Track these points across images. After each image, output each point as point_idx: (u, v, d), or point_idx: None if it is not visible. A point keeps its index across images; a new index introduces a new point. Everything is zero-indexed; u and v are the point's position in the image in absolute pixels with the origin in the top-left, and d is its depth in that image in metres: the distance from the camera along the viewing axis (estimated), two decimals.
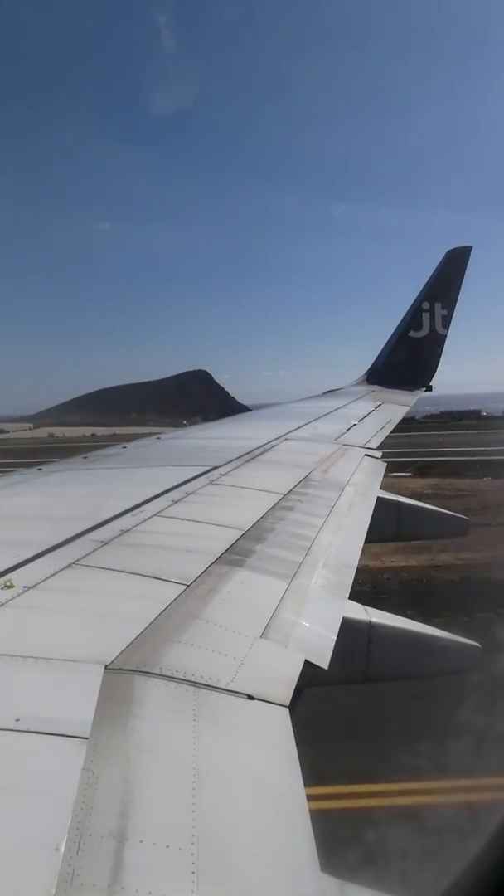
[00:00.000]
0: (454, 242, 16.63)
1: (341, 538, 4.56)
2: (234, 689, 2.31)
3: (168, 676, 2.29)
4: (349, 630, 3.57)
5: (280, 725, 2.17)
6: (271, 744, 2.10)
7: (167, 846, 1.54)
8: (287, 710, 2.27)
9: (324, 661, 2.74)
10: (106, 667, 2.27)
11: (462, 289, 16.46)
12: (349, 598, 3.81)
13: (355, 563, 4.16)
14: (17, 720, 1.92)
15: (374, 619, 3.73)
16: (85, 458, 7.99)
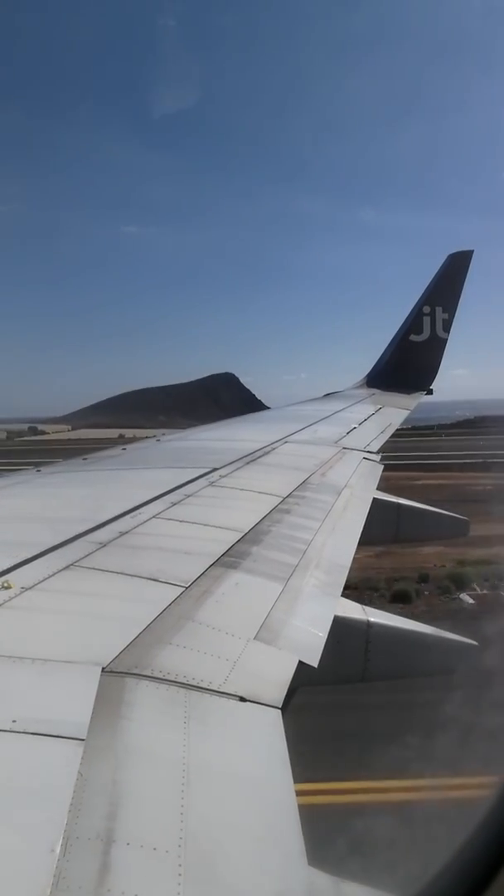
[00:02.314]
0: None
1: (336, 540, 4.57)
2: (226, 691, 2.31)
3: (159, 678, 2.29)
4: (347, 630, 3.57)
5: (272, 727, 2.17)
6: (262, 746, 2.10)
7: (154, 848, 1.54)
8: (279, 711, 2.27)
9: (314, 660, 2.75)
10: (103, 669, 2.27)
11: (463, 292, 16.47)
12: (349, 599, 3.82)
13: (348, 564, 4.18)
14: (14, 721, 1.91)
15: (372, 619, 3.73)
16: (84, 459, 7.99)
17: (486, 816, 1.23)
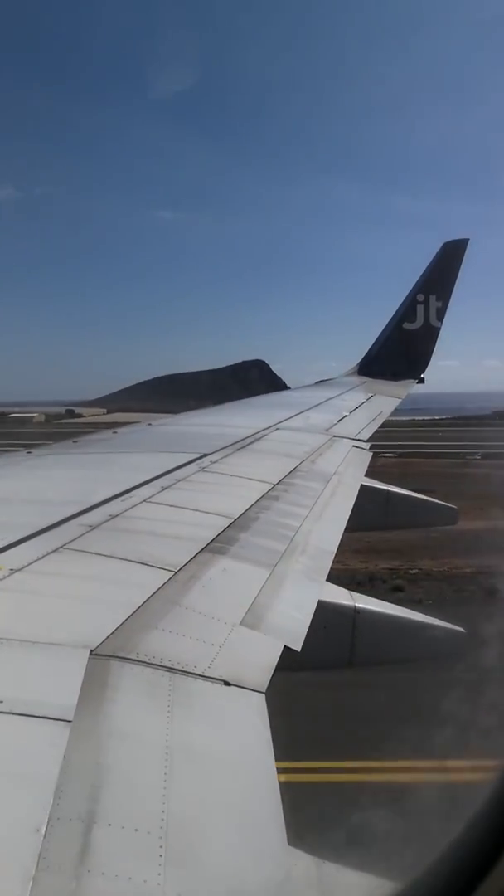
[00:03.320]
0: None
1: (322, 527, 4.61)
2: (211, 675, 2.33)
3: (144, 662, 2.30)
4: (334, 615, 3.60)
5: (255, 711, 2.20)
6: (245, 729, 2.13)
7: (136, 829, 1.56)
8: (263, 696, 2.29)
9: (297, 644, 2.77)
10: (91, 652, 2.28)
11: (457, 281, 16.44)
12: (337, 585, 3.85)
13: (334, 549, 4.22)
14: (1, 702, 1.92)
15: (359, 605, 3.76)
16: (75, 442, 7.96)
17: (483, 808, 1.24)
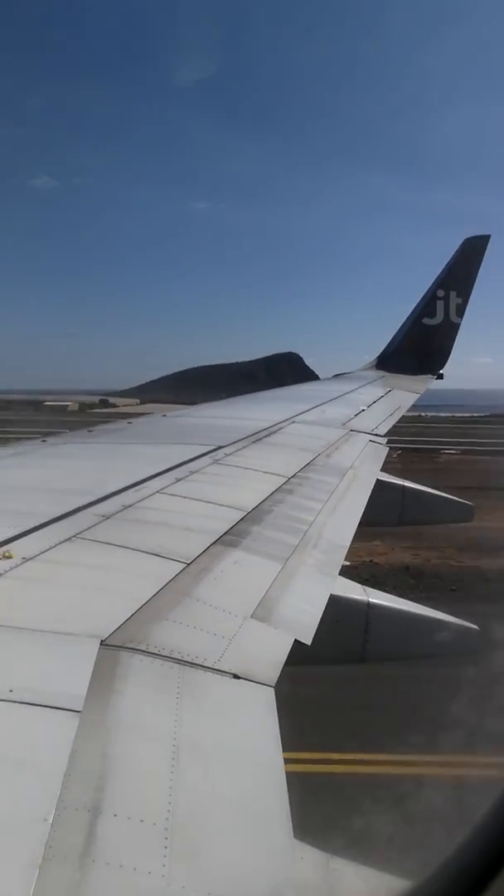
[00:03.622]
0: None
1: (336, 521, 4.58)
2: (221, 669, 2.32)
3: (154, 654, 2.29)
4: (347, 610, 3.58)
5: (264, 705, 2.18)
6: (254, 723, 2.11)
7: (141, 821, 1.56)
8: (272, 689, 2.28)
9: (307, 638, 2.75)
10: (102, 642, 2.27)
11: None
12: (350, 580, 3.82)
13: (347, 544, 4.20)
14: (11, 691, 1.92)
15: (372, 600, 3.74)
16: (90, 431, 7.99)
17: (487, 818, 1.22)
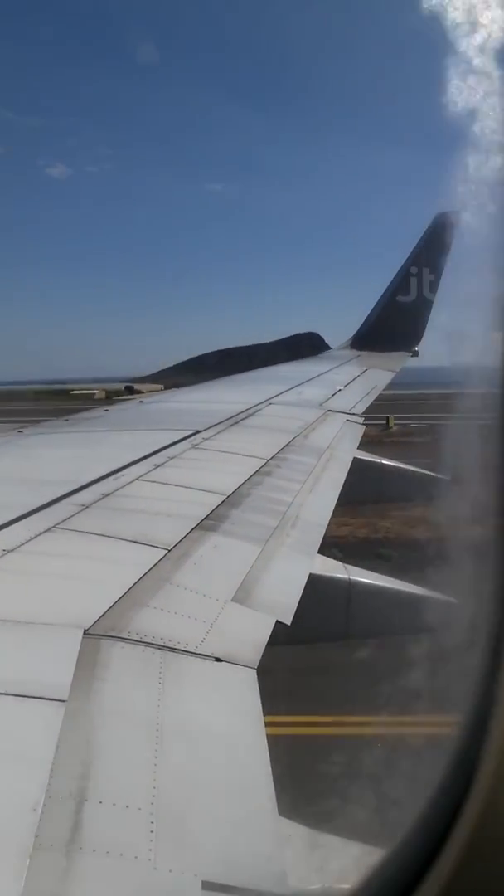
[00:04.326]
0: None
1: (314, 500, 4.61)
2: (202, 652, 2.34)
3: (136, 640, 2.31)
4: (328, 588, 3.62)
5: (246, 687, 2.21)
6: (236, 705, 2.14)
7: (126, 806, 1.58)
8: (254, 671, 2.30)
9: (287, 618, 2.78)
10: (85, 631, 2.28)
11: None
12: (329, 558, 3.86)
13: (325, 523, 4.23)
14: None
15: (353, 577, 3.78)
16: (66, 420, 7.92)
17: (447, 768, 1.25)
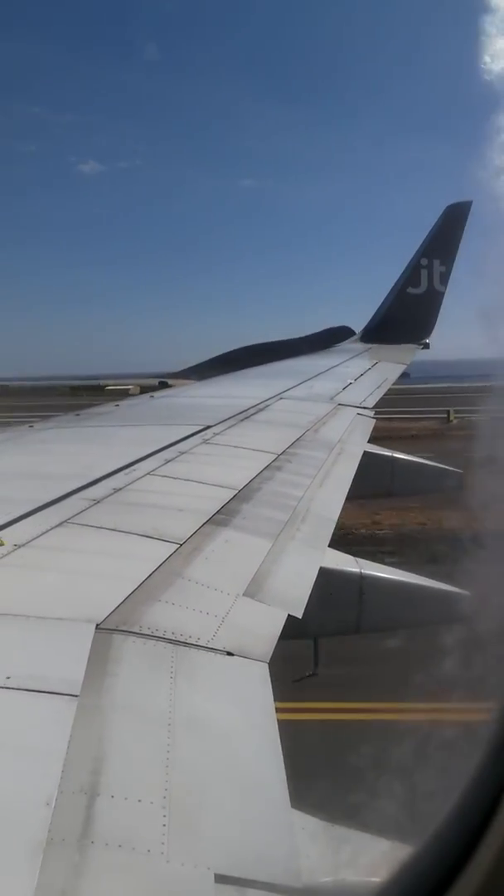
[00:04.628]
0: None
1: (325, 495, 4.61)
2: (214, 647, 2.34)
3: (147, 635, 2.31)
4: (341, 582, 3.61)
5: (259, 680, 2.21)
6: (249, 699, 2.14)
7: (139, 800, 1.58)
8: (266, 665, 2.30)
9: (298, 611, 2.78)
10: (97, 626, 2.28)
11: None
12: (342, 552, 3.85)
13: (335, 517, 4.22)
14: (9, 678, 1.93)
15: (365, 571, 3.77)
16: (77, 415, 7.95)
17: (483, 764, 1.23)
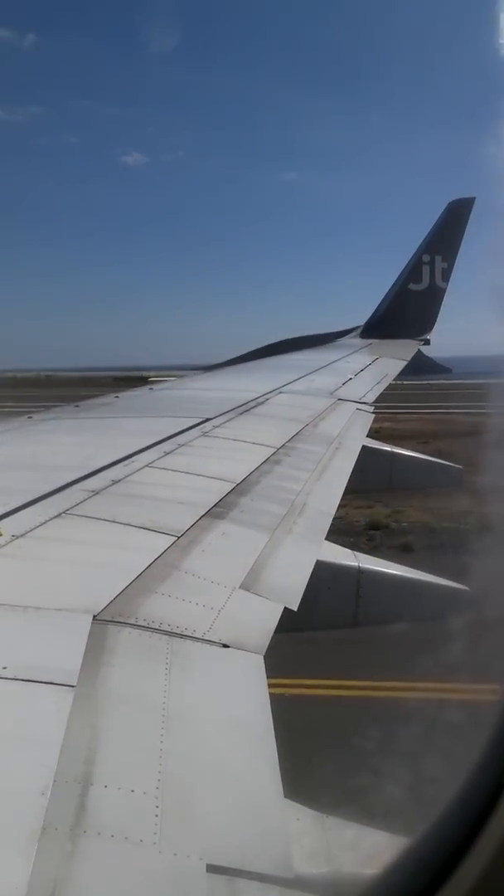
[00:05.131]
0: None
1: (322, 489, 4.62)
2: (210, 639, 2.35)
3: (143, 626, 2.32)
4: (338, 575, 3.63)
5: (253, 672, 2.22)
6: (243, 690, 2.15)
7: (132, 790, 1.58)
8: (261, 657, 2.31)
9: (294, 604, 2.79)
10: (94, 617, 2.29)
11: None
12: (340, 546, 3.86)
13: (333, 511, 4.24)
14: (5, 667, 1.94)
15: (362, 565, 3.79)
16: (77, 406, 7.94)
17: (487, 750, 1.23)
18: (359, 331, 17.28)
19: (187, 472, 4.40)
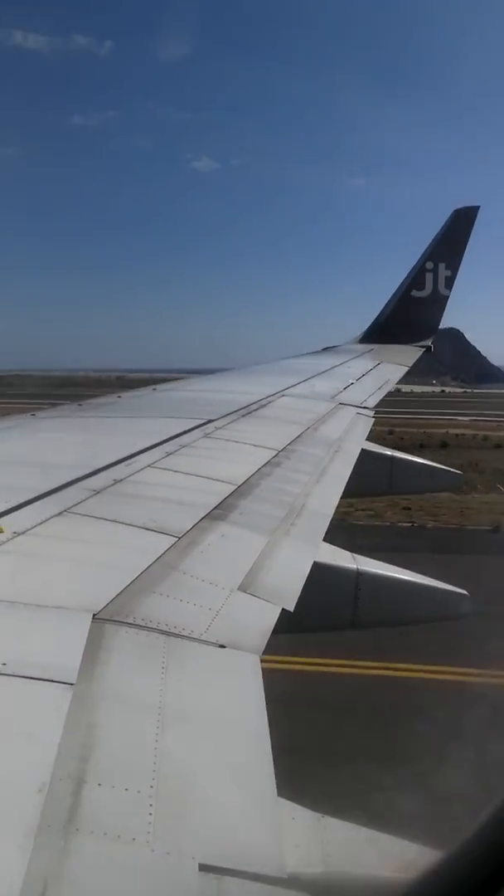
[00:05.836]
0: None
1: (321, 491, 4.64)
2: (207, 640, 2.36)
3: (140, 626, 2.32)
4: (337, 578, 3.63)
5: (249, 673, 2.22)
6: (239, 690, 2.15)
7: (126, 789, 1.59)
8: (258, 657, 2.32)
9: (290, 605, 2.80)
10: (94, 616, 2.30)
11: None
12: (340, 548, 3.87)
13: (331, 513, 4.25)
14: (5, 664, 1.95)
15: (361, 567, 3.79)
16: (80, 405, 7.95)
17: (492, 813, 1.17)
18: (360, 336, 17.27)
19: (189, 474, 4.41)
